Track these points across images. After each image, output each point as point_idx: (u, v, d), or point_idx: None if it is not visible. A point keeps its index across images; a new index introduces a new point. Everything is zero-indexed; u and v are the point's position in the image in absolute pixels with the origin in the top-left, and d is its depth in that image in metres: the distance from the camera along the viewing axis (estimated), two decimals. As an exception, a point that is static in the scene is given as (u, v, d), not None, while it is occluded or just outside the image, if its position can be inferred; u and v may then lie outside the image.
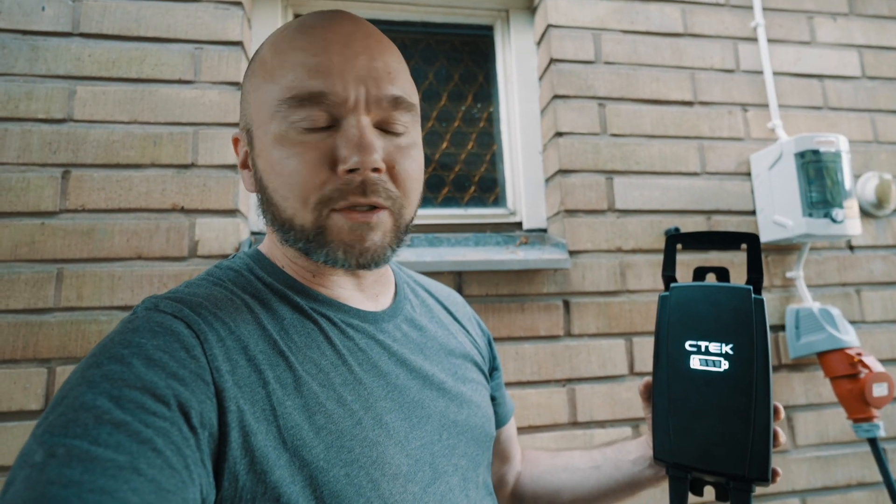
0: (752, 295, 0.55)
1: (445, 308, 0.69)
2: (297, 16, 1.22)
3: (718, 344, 0.55)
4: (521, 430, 1.05)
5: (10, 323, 0.92)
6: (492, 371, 0.72)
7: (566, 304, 1.12)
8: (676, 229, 1.16)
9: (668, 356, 0.57)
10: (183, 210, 1.00)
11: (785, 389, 1.17)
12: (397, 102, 0.49)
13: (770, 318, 1.20)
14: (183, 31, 1.05)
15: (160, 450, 0.35)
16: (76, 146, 0.98)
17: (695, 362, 0.55)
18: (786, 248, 1.23)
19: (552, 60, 1.19)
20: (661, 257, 1.17)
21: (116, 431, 0.35)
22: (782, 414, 0.55)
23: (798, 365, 1.19)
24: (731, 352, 0.54)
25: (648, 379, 0.63)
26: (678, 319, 0.58)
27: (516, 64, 1.29)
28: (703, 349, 0.55)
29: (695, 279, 0.61)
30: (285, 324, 0.49)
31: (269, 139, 0.49)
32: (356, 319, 0.54)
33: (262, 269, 0.54)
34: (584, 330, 1.12)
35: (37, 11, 1.01)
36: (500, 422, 0.72)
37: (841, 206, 1.10)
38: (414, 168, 0.52)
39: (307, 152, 0.47)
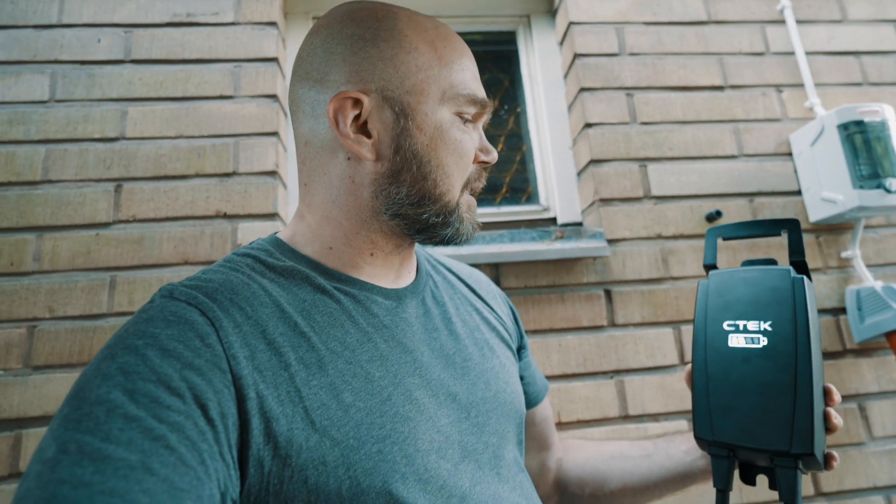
0: (792, 274, 0.54)
1: (468, 286, 0.69)
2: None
3: (757, 322, 0.54)
4: (570, 424, 1.01)
5: (67, 329, 0.96)
6: (519, 349, 0.71)
7: (608, 294, 1.09)
8: (718, 212, 1.12)
9: (707, 337, 0.57)
10: (226, 216, 1.04)
11: (853, 377, 1.09)
12: None
13: (828, 301, 1.13)
14: (223, 52, 1.12)
15: (173, 447, 0.35)
16: (128, 161, 1.05)
17: (733, 341, 0.55)
18: (838, 228, 1.17)
19: (576, 55, 1.20)
20: (704, 242, 1.13)
21: (129, 427, 0.34)
22: (836, 397, 0.52)
23: (865, 350, 1.11)
24: (769, 328, 0.53)
25: (690, 365, 0.61)
26: (716, 303, 0.58)
27: (540, 65, 1.31)
28: (741, 328, 0.55)
29: None
30: (306, 304, 0.49)
31: (439, 119, 0.51)
32: (379, 296, 0.54)
33: (282, 253, 0.53)
34: (629, 319, 1.08)
35: (93, 44, 1.10)
36: (531, 401, 0.70)
37: (894, 176, 1.04)
38: None
39: (469, 142, 0.54)
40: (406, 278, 0.59)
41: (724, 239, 0.63)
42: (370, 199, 0.52)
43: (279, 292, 0.48)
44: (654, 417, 1.03)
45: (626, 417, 1.03)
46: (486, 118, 0.57)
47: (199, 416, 0.37)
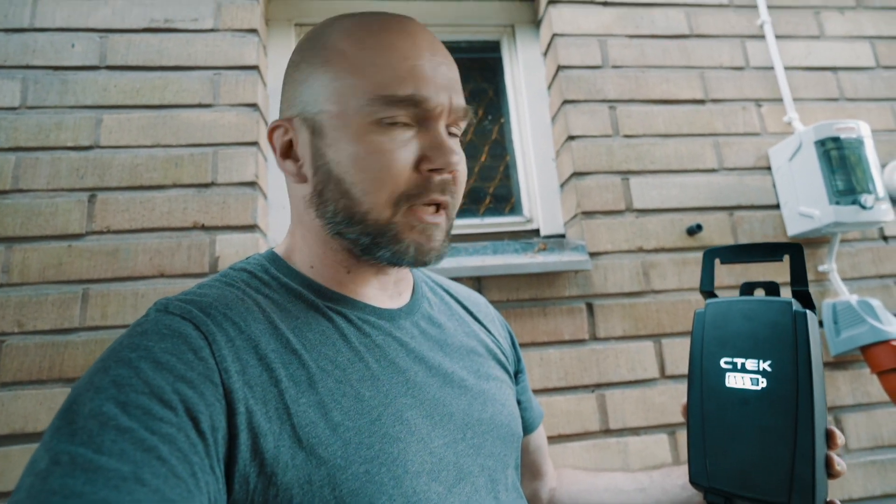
0: (794, 308, 0.51)
1: (465, 308, 0.68)
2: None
3: (756, 361, 0.51)
4: (551, 439, 1.01)
5: (37, 344, 0.93)
6: (517, 374, 0.70)
7: (589, 307, 1.09)
8: (699, 226, 1.13)
9: (703, 375, 0.54)
10: (203, 227, 1.02)
11: (829, 390, 1.11)
12: (465, 112, 0.52)
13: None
14: (202, 59, 1.10)
15: (165, 458, 0.35)
16: (102, 171, 1.02)
17: (731, 380, 0.52)
18: (815, 241, 1.19)
19: (560, 67, 1.21)
20: (685, 256, 1.14)
21: (121, 439, 0.34)
22: (839, 440, 0.50)
23: (841, 363, 1.13)
24: (769, 369, 0.50)
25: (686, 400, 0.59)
26: (713, 336, 0.55)
27: (524, 76, 1.31)
28: (739, 366, 0.52)
29: (742, 296, 0.58)
30: (299, 322, 0.49)
31: (353, 132, 0.47)
32: (373, 316, 0.53)
33: (278, 269, 0.54)
34: (610, 333, 1.08)
35: (67, 49, 1.07)
36: (526, 428, 0.69)
37: (869, 192, 1.06)
38: (465, 173, 0.54)
39: (396, 150, 0.47)
40: (401, 298, 0.59)
41: (722, 262, 0.60)
42: (317, 219, 0.52)
43: (273, 308, 0.49)
44: (635, 431, 1.04)
45: (606, 431, 1.03)
46: (444, 117, 0.49)
47: (191, 429, 0.37)
